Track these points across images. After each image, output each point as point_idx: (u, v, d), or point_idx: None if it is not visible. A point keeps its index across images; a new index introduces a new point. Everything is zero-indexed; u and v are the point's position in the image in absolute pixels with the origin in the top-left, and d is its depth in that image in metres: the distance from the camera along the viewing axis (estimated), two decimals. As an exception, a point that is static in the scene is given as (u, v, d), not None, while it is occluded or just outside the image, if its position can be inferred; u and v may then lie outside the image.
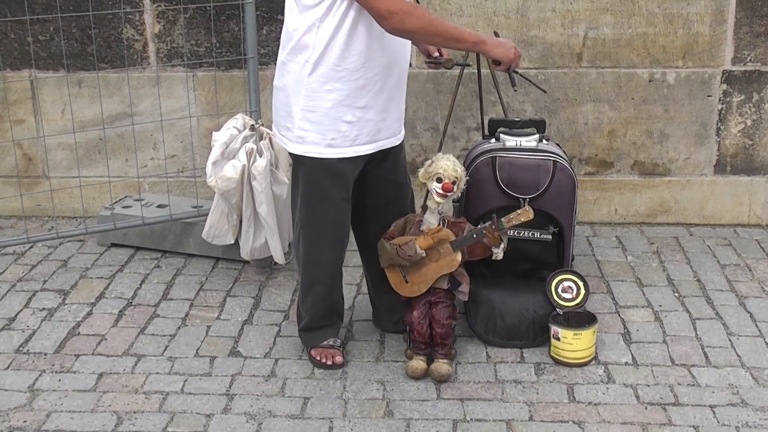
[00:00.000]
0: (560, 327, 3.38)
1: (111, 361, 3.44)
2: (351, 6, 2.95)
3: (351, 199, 3.29)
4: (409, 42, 3.17)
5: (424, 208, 3.37)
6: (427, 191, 3.34)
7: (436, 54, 3.41)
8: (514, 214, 3.26)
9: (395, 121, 3.24)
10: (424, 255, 3.26)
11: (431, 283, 3.30)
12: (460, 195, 3.43)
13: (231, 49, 4.51)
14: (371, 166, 3.27)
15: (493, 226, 3.23)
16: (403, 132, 3.34)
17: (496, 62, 3.18)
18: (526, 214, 3.25)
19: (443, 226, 3.29)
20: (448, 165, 3.25)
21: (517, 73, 3.33)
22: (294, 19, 3.04)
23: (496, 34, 3.66)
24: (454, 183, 3.24)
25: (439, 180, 3.24)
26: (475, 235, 3.26)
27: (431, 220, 3.31)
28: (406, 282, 3.33)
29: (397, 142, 3.30)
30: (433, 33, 3.00)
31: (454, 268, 3.27)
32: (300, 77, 3.07)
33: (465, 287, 3.33)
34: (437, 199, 3.26)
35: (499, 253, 3.29)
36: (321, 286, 3.35)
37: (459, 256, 3.26)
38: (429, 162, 3.30)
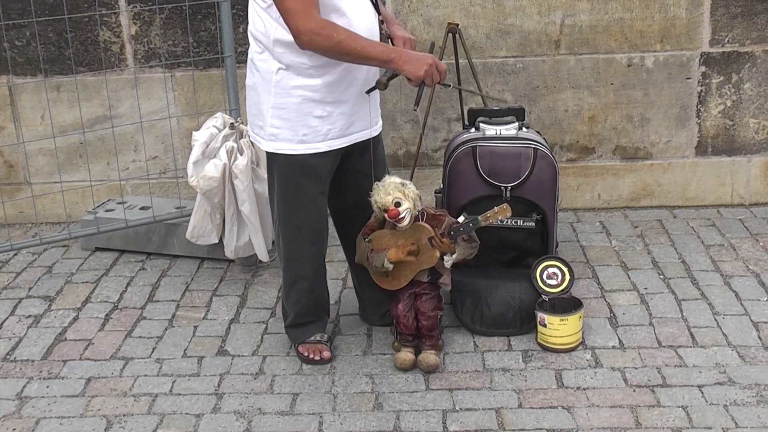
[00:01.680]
0: (546, 313, 3.38)
1: (99, 365, 3.43)
2: None
3: (332, 196, 3.29)
4: (377, 32, 3.11)
5: None
6: None
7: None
8: (491, 211, 3.22)
9: (369, 113, 3.22)
10: (391, 269, 3.25)
11: (411, 278, 3.29)
12: (418, 199, 3.31)
13: (208, 48, 4.50)
14: (350, 162, 3.27)
15: (447, 232, 3.19)
16: (380, 123, 3.33)
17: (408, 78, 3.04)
18: (503, 211, 3.21)
19: (423, 219, 3.27)
20: (380, 195, 3.18)
21: (447, 85, 3.16)
22: (255, 18, 3.05)
23: (432, 45, 3.52)
24: (397, 204, 3.17)
25: (385, 211, 3.20)
26: (452, 233, 3.21)
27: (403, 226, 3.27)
28: (387, 276, 3.33)
29: (374, 134, 3.28)
30: (343, 53, 2.94)
31: (434, 263, 3.26)
32: (268, 75, 3.06)
33: (446, 278, 3.33)
34: (398, 225, 3.22)
35: (448, 261, 3.27)
36: (304, 281, 3.35)
37: (437, 253, 3.24)
38: (371, 200, 3.23)
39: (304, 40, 2.92)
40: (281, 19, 2.96)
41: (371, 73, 3.15)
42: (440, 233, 3.21)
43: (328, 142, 3.13)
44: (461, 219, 3.28)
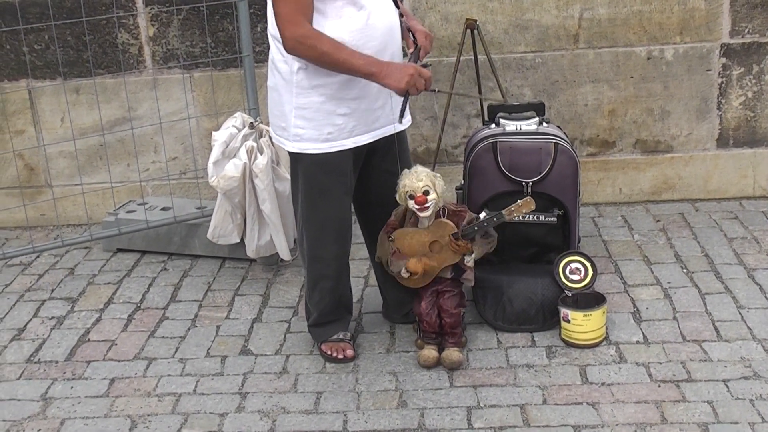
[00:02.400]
0: (570, 309, 3.37)
1: (122, 365, 3.44)
2: (323, 2, 2.94)
3: (356, 193, 3.29)
4: (397, 26, 3.11)
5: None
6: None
7: (411, 49, 3.30)
8: (515, 205, 3.21)
9: (394, 105, 3.21)
10: (407, 277, 3.25)
11: (435, 276, 3.29)
12: (443, 201, 3.32)
13: (226, 48, 4.50)
14: (376, 159, 3.26)
15: (460, 234, 3.18)
16: (409, 117, 3.30)
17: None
18: (527, 205, 3.21)
19: (444, 216, 3.26)
20: (411, 180, 3.18)
21: (434, 90, 3.15)
22: (272, 19, 3.03)
23: (417, 49, 3.43)
24: (425, 193, 3.17)
25: (411, 197, 3.20)
26: (475, 228, 3.22)
27: (423, 222, 3.26)
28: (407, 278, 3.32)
29: (401, 128, 3.25)
30: (326, 63, 2.95)
31: (457, 260, 3.25)
32: (288, 75, 3.06)
33: (469, 274, 3.31)
34: (420, 214, 3.21)
35: (469, 261, 3.26)
36: (327, 281, 3.34)
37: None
38: (398, 185, 3.24)
39: (288, 47, 2.95)
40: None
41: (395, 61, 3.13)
42: (456, 237, 3.19)
43: (354, 139, 3.12)
44: (483, 214, 3.26)
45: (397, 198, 3.25)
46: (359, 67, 2.94)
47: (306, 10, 2.93)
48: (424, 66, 3.12)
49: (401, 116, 3.07)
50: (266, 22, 4.35)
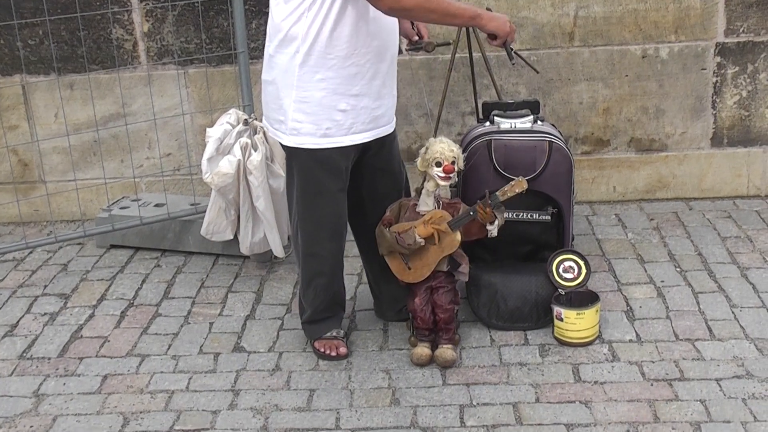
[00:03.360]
0: (563, 307, 3.37)
1: (115, 362, 3.44)
2: (332, 3, 2.93)
3: (347, 190, 3.29)
4: (397, 26, 3.14)
5: (419, 191, 3.35)
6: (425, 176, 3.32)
7: (416, 38, 3.38)
8: (508, 186, 3.24)
9: (390, 108, 3.23)
10: (423, 244, 3.25)
11: (434, 267, 3.29)
12: (457, 178, 3.40)
13: (221, 44, 4.49)
14: (368, 157, 3.26)
15: (488, 202, 3.22)
16: (395, 119, 3.32)
17: (492, 36, 3.15)
18: (519, 185, 3.23)
19: (438, 207, 3.28)
20: (443, 147, 3.24)
21: (512, 49, 3.29)
22: (280, 10, 3.02)
23: (489, 10, 3.58)
24: (453, 163, 3.23)
25: (438, 164, 3.23)
26: (471, 212, 3.24)
27: (428, 202, 3.29)
28: (409, 268, 3.32)
29: (392, 130, 3.28)
30: (430, 9, 2.97)
31: (455, 248, 3.26)
32: (290, 69, 3.05)
33: (465, 267, 3.32)
34: (441, 183, 3.25)
35: (493, 230, 3.27)
36: (322, 277, 3.34)
37: (458, 236, 3.25)
38: (423, 149, 3.28)
39: (390, 1, 2.91)
40: (308, 9, 2.94)
41: (393, 66, 3.15)
42: (484, 204, 3.22)
43: (352, 137, 3.12)
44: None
45: (419, 164, 3.28)
46: (463, 11, 3.03)
47: None
48: (446, 44, 3.51)
49: (510, 57, 3.25)
50: (261, 18, 4.39)
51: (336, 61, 3.01)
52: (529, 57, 4.42)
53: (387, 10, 2.94)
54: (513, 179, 3.53)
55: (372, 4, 2.92)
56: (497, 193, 3.23)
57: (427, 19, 3.13)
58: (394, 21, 3.11)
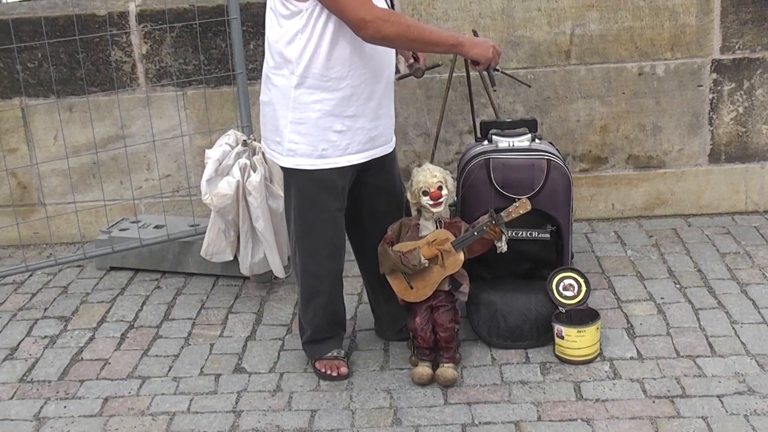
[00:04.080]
0: (563, 325, 3.37)
1: (116, 384, 3.43)
2: (329, 15, 2.94)
3: (347, 210, 3.29)
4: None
5: (419, 210, 3.35)
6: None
7: (411, 60, 3.39)
8: (512, 207, 3.27)
9: (387, 128, 3.24)
10: (427, 264, 3.25)
11: (436, 286, 3.29)
12: (454, 197, 3.41)
13: (219, 65, 4.51)
14: (367, 176, 3.26)
15: (494, 221, 3.23)
16: (394, 139, 3.33)
17: (475, 62, 3.18)
18: (523, 206, 3.26)
19: (439, 227, 3.28)
20: (425, 175, 3.24)
21: (497, 70, 3.29)
22: (275, 31, 3.04)
23: (475, 33, 3.61)
24: (440, 188, 3.23)
25: (425, 193, 3.23)
26: (476, 233, 3.25)
27: (428, 226, 3.30)
28: (411, 288, 3.32)
29: (389, 150, 3.29)
30: (411, 38, 2.99)
31: (458, 267, 3.27)
32: (286, 90, 3.06)
33: (465, 288, 3.33)
34: (433, 210, 3.26)
35: (503, 246, 3.28)
36: (321, 297, 3.34)
37: (462, 256, 3.25)
38: (409, 183, 3.29)
39: (372, 29, 2.89)
40: (301, 30, 2.96)
41: (389, 87, 3.16)
42: (493, 222, 3.24)
43: (348, 157, 3.13)
44: (484, 218, 3.29)
45: (408, 196, 3.30)
46: (445, 38, 3.03)
47: None
48: (436, 66, 3.44)
49: (492, 83, 3.32)
50: (258, 39, 4.41)
51: (331, 83, 3.02)
52: (525, 76, 4.45)
53: (369, 39, 2.95)
54: (511, 198, 3.55)
55: (355, 33, 2.94)
56: (502, 213, 3.25)
57: (409, 48, 3.16)
58: None
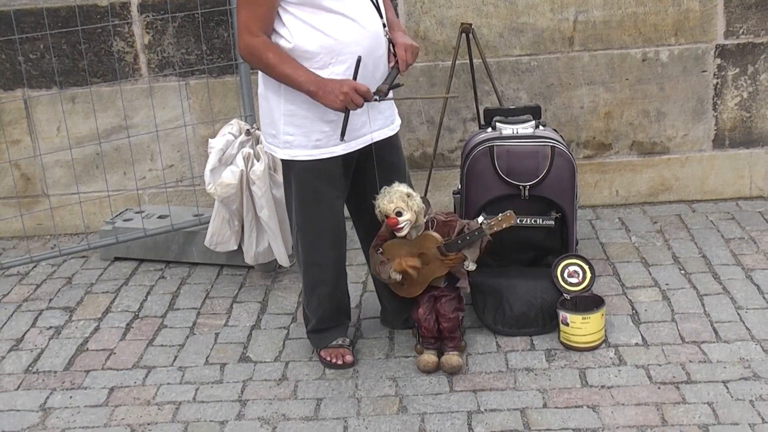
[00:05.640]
0: (568, 312, 3.37)
1: (121, 374, 3.44)
2: (301, 8, 2.95)
3: (351, 198, 3.29)
4: (380, 35, 3.08)
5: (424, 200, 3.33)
6: None
7: (392, 63, 3.15)
8: (494, 220, 3.19)
9: (383, 111, 3.21)
10: (398, 280, 3.25)
11: (426, 285, 3.29)
12: (422, 218, 3.28)
13: (222, 55, 4.50)
14: (369, 164, 3.25)
15: (476, 233, 3.17)
16: (397, 121, 3.30)
17: None
18: (507, 219, 3.18)
19: (433, 227, 3.25)
20: (384, 202, 3.16)
21: (377, 100, 3.01)
22: None
23: (359, 61, 3.26)
24: (398, 214, 3.15)
25: (386, 217, 3.19)
26: (459, 242, 3.20)
27: (411, 231, 3.23)
28: (402, 285, 3.32)
29: (391, 133, 3.26)
30: (272, 76, 3.03)
31: (445, 271, 3.25)
32: (277, 83, 3.06)
33: (464, 282, 3.32)
34: (398, 234, 3.21)
35: (469, 265, 3.24)
36: (325, 286, 3.34)
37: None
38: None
39: (242, 55, 3.06)
40: (285, 25, 2.98)
41: (378, 72, 3.08)
42: (442, 252, 3.18)
43: (344, 145, 3.12)
44: (480, 218, 3.24)
45: (378, 216, 3.24)
46: (300, 83, 2.98)
47: (262, 21, 2.97)
48: (397, 86, 3.09)
49: (342, 134, 3.03)
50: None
51: (315, 72, 2.98)
52: (529, 63, 4.44)
53: (242, 59, 3.04)
54: (516, 185, 3.55)
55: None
56: (484, 226, 3.18)
57: (277, 80, 3.04)
58: (377, 33, 3.06)
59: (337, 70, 3.00)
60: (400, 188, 3.18)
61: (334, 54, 2.99)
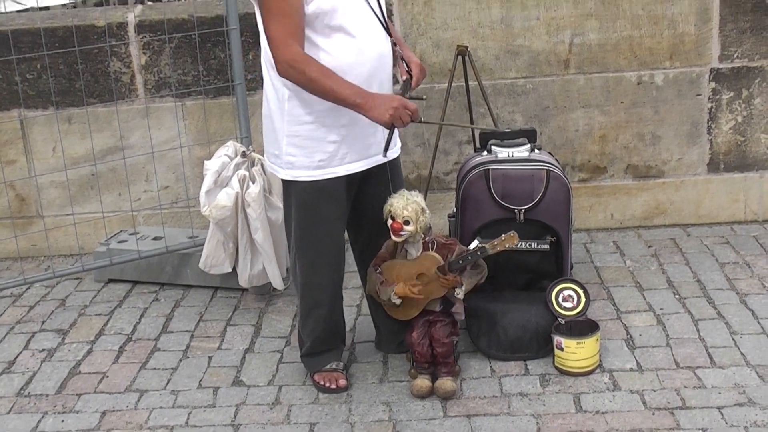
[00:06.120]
0: (563, 336, 3.36)
1: (114, 398, 3.42)
2: (311, 28, 2.95)
3: (349, 219, 3.28)
4: (388, 54, 3.11)
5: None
6: None
7: (406, 76, 3.25)
8: (498, 240, 3.19)
9: (385, 134, 3.20)
10: (398, 303, 3.24)
11: (422, 308, 3.28)
12: (425, 229, 3.28)
13: (218, 76, 4.51)
14: (369, 185, 3.25)
15: (478, 253, 3.18)
16: (398, 145, 3.31)
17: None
18: (510, 239, 3.18)
19: (432, 248, 3.25)
20: (399, 204, 3.17)
21: (421, 121, 3.08)
22: (264, 46, 3.05)
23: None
24: (406, 223, 3.15)
25: (392, 218, 3.19)
26: (461, 261, 3.20)
27: (411, 251, 3.26)
28: (398, 306, 3.31)
29: (392, 156, 3.26)
30: (315, 90, 2.96)
31: (443, 293, 3.25)
32: (280, 103, 3.07)
33: (459, 307, 3.31)
34: (393, 237, 3.21)
35: (459, 293, 3.24)
36: (321, 308, 3.33)
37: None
38: (388, 199, 3.23)
39: (280, 70, 2.96)
40: None
41: (383, 92, 3.09)
42: (444, 271, 3.18)
43: (346, 166, 3.13)
44: (475, 243, 3.25)
45: (384, 211, 3.24)
46: (346, 96, 2.95)
47: (297, 33, 2.93)
48: (419, 98, 3.11)
49: (386, 149, 3.05)
50: (258, 49, 4.40)
51: None
52: (524, 85, 4.45)
53: (280, 75, 2.98)
54: (511, 209, 3.55)
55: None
56: (487, 246, 3.18)
57: (317, 95, 3.01)
58: (381, 48, 3.08)
59: None
60: (418, 200, 3.19)
61: (340, 75, 2.98)
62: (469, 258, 3.20)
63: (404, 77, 3.22)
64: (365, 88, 3.02)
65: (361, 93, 2.95)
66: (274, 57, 2.96)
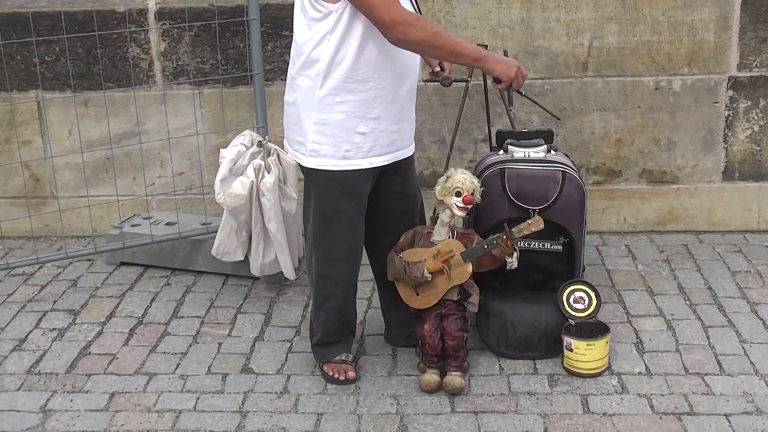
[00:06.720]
0: (573, 338, 3.36)
1: (123, 380, 3.43)
2: (358, 17, 2.95)
3: (366, 216, 3.30)
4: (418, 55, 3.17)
5: (434, 219, 3.37)
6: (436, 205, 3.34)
7: (437, 68, 3.40)
8: (524, 224, 3.25)
9: (409, 131, 3.25)
10: (430, 278, 3.26)
11: (442, 295, 3.29)
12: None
13: (236, 65, 4.52)
14: (383, 180, 3.27)
15: (505, 236, 3.23)
16: (413, 144, 3.34)
17: (497, 80, 3.15)
18: (536, 224, 3.24)
19: (452, 237, 3.29)
20: (465, 178, 3.26)
21: (521, 93, 3.29)
22: (303, 33, 3.05)
23: (506, 53, 3.58)
24: (472, 194, 3.25)
25: (458, 194, 3.24)
26: (485, 246, 3.25)
27: (441, 232, 3.30)
28: (417, 294, 3.33)
29: (410, 154, 3.29)
30: (436, 46, 2.98)
31: (465, 279, 3.27)
32: (311, 91, 3.07)
33: (475, 298, 3.33)
34: (458, 213, 3.27)
35: (513, 263, 3.29)
36: (335, 300, 3.34)
37: (470, 267, 3.25)
38: (444, 178, 3.29)
39: (397, 31, 2.90)
40: (330, 32, 2.97)
41: (412, 91, 3.18)
42: (505, 237, 3.24)
43: (371, 159, 3.14)
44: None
45: (437, 192, 3.29)
46: (469, 51, 3.04)
47: None
48: (464, 80, 3.47)
49: (510, 103, 3.34)
50: (276, 40, 4.42)
51: (356, 85, 3.02)
52: (542, 86, 4.46)
53: (394, 42, 2.95)
54: (525, 208, 3.55)
55: (382, 34, 2.94)
56: (513, 230, 3.24)
57: (433, 55, 3.17)
58: None
59: (378, 85, 3.04)
60: (468, 174, 3.30)
61: (380, 68, 3.03)
62: (496, 242, 3.23)
63: (436, 69, 3.39)
64: (401, 82, 3.09)
65: (481, 49, 3.09)
66: (389, 20, 2.88)
